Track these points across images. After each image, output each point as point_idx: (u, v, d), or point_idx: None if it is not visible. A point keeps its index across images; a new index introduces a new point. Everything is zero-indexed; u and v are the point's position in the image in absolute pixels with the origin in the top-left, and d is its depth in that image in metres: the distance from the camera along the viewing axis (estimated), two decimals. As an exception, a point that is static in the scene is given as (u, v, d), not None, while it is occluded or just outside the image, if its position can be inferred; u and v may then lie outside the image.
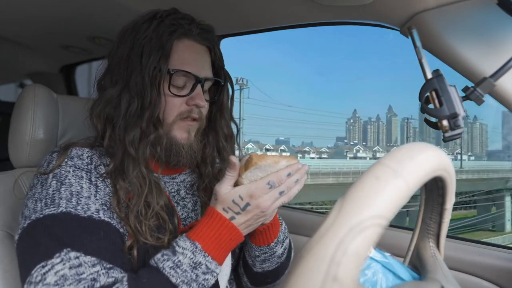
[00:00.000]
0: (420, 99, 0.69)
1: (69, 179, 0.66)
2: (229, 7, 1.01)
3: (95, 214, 0.64)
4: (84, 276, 0.56)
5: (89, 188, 0.66)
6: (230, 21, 1.10)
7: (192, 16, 0.79)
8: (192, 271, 0.61)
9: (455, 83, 0.67)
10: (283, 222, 0.86)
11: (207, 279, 0.63)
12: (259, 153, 0.68)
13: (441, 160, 0.38)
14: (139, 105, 0.71)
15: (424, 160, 0.36)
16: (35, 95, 0.88)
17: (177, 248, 0.62)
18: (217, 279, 0.77)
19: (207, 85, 0.81)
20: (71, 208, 0.62)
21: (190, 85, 0.76)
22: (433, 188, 0.49)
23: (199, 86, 0.76)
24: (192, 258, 0.61)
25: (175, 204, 0.78)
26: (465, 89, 0.67)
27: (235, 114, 0.91)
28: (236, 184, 0.66)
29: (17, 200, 0.80)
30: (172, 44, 0.73)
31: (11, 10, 1.15)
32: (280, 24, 1.07)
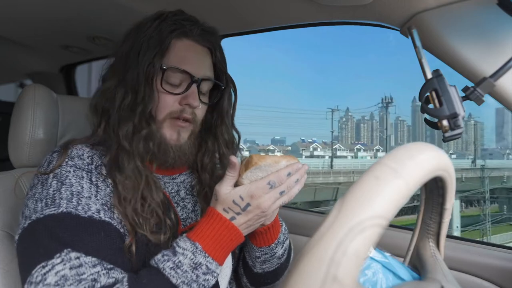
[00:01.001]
0: (420, 99, 0.69)
1: (69, 179, 0.66)
2: (229, 7, 1.01)
3: (96, 214, 0.64)
4: (84, 276, 0.56)
5: (90, 188, 0.66)
6: (230, 21, 1.10)
7: (197, 18, 0.79)
8: (192, 272, 0.61)
9: (455, 83, 0.67)
10: (283, 223, 0.86)
11: (208, 280, 0.63)
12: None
13: (441, 160, 0.38)
14: (132, 99, 0.71)
15: (424, 160, 0.36)
16: (35, 95, 0.88)
17: (177, 248, 0.62)
18: (218, 279, 0.77)
19: (206, 86, 0.80)
20: (72, 208, 0.62)
21: (186, 84, 0.76)
22: (433, 188, 0.49)
23: (194, 85, 0.76)
24: (192, 259, 0.61)
25: (175, 205, 0.78)
26: (465, 89, 0.67)
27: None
28: (236, 184, 0.66)
29: (17, 200, 0.80)
30: (170, 42, 0.74)
31: (11, 10, 1.15)
32: (280, 24, 1.07)
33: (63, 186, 0.65)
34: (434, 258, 0.51)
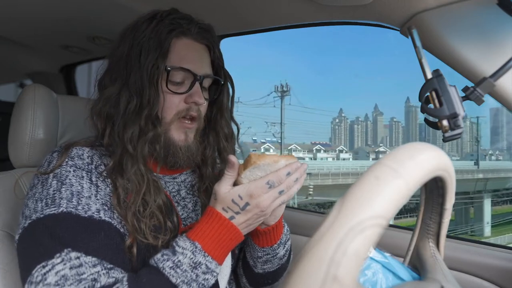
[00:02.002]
0: (420, 99, 0.69)
1: (69, 179, 0.66)
2: (229, 7, 1.01)
3: (96, 214, 0.64)
4: (84, 276, 0.56)
5: (90, 188, 0.66)
6: (230, 21, 1.10)
7: (192, 16, 0.79)
8: (192, 271, 0.61)
9: (455, 83, 0.67)
10: (285, 223, 0.86)
11: (207, 279, 0.63)
12: None
13: (441, 160, 0.38)
14: (138, 103, 0.71)
15: (424, 160, 0.36)
16: (35, 95, 0.88)
17: (177, 248, 0.62)
18: (217, 279, 0.77)
19: (206, 83, 0.81)
20: (72, 208, 0.62)
21: (189, 83, 0.76)
22: (433, 188, 0.49)
23: (197, 83, 0.76)
24: (192, 258, 0.61)
25: (176, 204, 0.78)
26: (465, 89, 0.67)
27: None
28: (235, 183, 0.66)
29: (17, 200, 0.80)
30: (171, 42, 0.74)
31: (11, 10, 1.15)
32: (280, 24, 1.07)
33: (63, 186, 0.65)
34: (434, 258, 0.51)
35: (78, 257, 0.58)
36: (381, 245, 0.44)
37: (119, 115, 0.72)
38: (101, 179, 0.69)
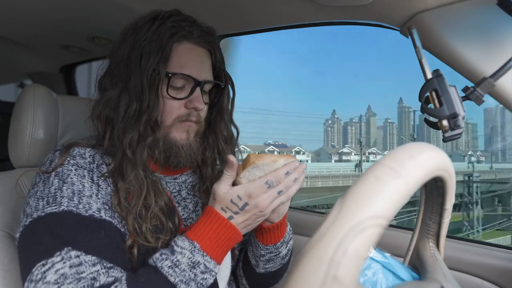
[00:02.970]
0: (420, 99, 0.69)
1: (71, 178, 0.66)
2: (229, 7, 1.01)
3: (97, 213, 0.64)
4: (84, 275, 0.57)
5: (91, 187, 0.66)
6: (230, 21, 1.10)
7: (194, 18, 0.79)
8: (190, 271, 0.61)
9: (455, 83, 0.67)
10: (288, 223, 0.86)
11: (206, 279, 0.63)
12: None
13: (441, 160, 0.38)
14: (137, 107, 0.71)
15: (424, 160, 0.36)
16: (35, 95, 0.88)
17: (175, 247, 0.62)
18: (217, 280, 0.77)
19: (207, 87, 0.81)
20: (73, 207, 0.62)
21: (189, 88, 0.76)
22: (433, 188, 0.49)
23: (198, 89, 0.76)
24: (190, 258, 0.61)
25: (176, 205, 0.78)
26: (465, 89, 0.67)
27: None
28: (234, 183, 0.66)
29: (17, 200, 0.80)
30: (172, 47, 0.73)
31: (11, 10, 1.15)
32: (280, 24, 1.07)
33: (64, 185, 0.65)
34: (434, 258, 0.51)
35: (78, 256, 0.58)
36: (381, 245, 0.44)
37: (119, 119, 0.71)
38: (102, 178, 0.69)
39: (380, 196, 0.32)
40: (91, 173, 0.68)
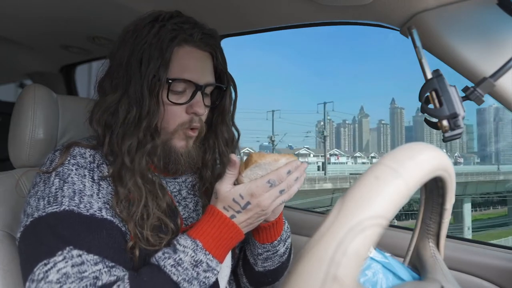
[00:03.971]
0: (420, 99, 0.69)
1: (72, 177, 0.66)
2: (229, 7, 1.01)
3: (98, 213, 0.64)
4: (86, 274, 0.57)
5: (92, 187, 0.66)
6: (230, 21, 1.10)
7: (195, 20, 0.77)
8: (193, 269, 0.61)
9: (455, 83, 0.67)
10: (286, 221, 0.86)
11: (208, 277, 0.63)
12: None
13: (441, 160, 0.38)
14: (137, 114, 0.70)
15: (424, 160, 0.36)
16: (35, 95, 0.88)
17: (178, 246, 0.62)
18: (217, 279, 0.77)
19: (208, 90, 0.80)
20: (74, 206, 0.62)
21: (190, 92, 0.75)
22: (433, 188, 0.49)
23: (199, 93, 0.75)
24: (193, 256, 0.61)
25: (177, 204, 0.78)
26: (465, 89, 0.67)
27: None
28: (236, 182, 0.66)
29: (17, 200, 0.80)
30: (172, 51, 0.71)
31: (11, 10, 1.15)
32: (280, 24, 1.07)
33: (65, 184, 0.65)
34: (434, 258, 0.51)
35: (80, 255, 0.58)
36: (381, 245, 0.44)
37: (118, 125, 0.70)
38: (103, 177, 0.69)
39: (380, 196, 0.32)
40: (91, 172, 0.68)
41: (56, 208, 0.62)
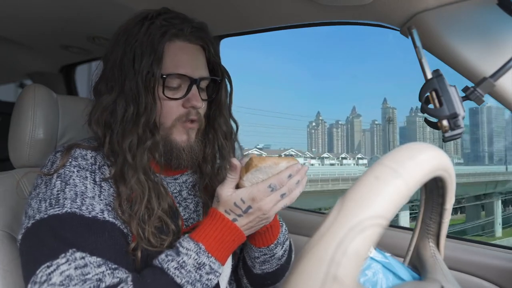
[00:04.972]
0: (420, 99, 0.69)
1: (73, 179, 0.66)
2: (228, 7, 1.01)
3: (100, 215, 0.64)
4: (89, 276, 0.57)
5: (94, 189, 0.66)
6: (230, 21, 1.10)
7: (185, 15, 0.77)
8: (196, 272, 0.61)
9: (455, 83, 0.67)
10: (283, 223, 0.86)
11: (211, 279, 0.63)
12: None
13: (441, 160, 0.38)
14: (134, 111, 0.70)
15: (424, 160, 0.36)
16: (35, 95, 0.88)
17: (181, 248, 0.63)
18: (218, 280, 0.77)
19: (204, 84, 0.80)
20: (76, 208, 0.62)
21: (186, 87, 0.75)
22: (433, 188, 0.49)
23: (194, 87, 0.75)
24: (196, 259, 0.62)
25: (178, 205, 0.78)
26: (465, 89, 0.67)
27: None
28: (238, 186, 0.66)
29: (18, 200, 0.80)
30: (164, 46, 0.72)
31: (11, 10, 1.15)
32: (280, 24, 1.07)
33: (67, 186, 0.65)
34: (434, 258, 0.51)
35: (83, 257, 0.58)
36: (381, 245, 0.44)
37: (117, 124, 0.71)
38: (104, 179, 0.69)
39: (380, 196, 0.32)
40: (93, 174, 0.68)
41: (58, 210, 0.62)
